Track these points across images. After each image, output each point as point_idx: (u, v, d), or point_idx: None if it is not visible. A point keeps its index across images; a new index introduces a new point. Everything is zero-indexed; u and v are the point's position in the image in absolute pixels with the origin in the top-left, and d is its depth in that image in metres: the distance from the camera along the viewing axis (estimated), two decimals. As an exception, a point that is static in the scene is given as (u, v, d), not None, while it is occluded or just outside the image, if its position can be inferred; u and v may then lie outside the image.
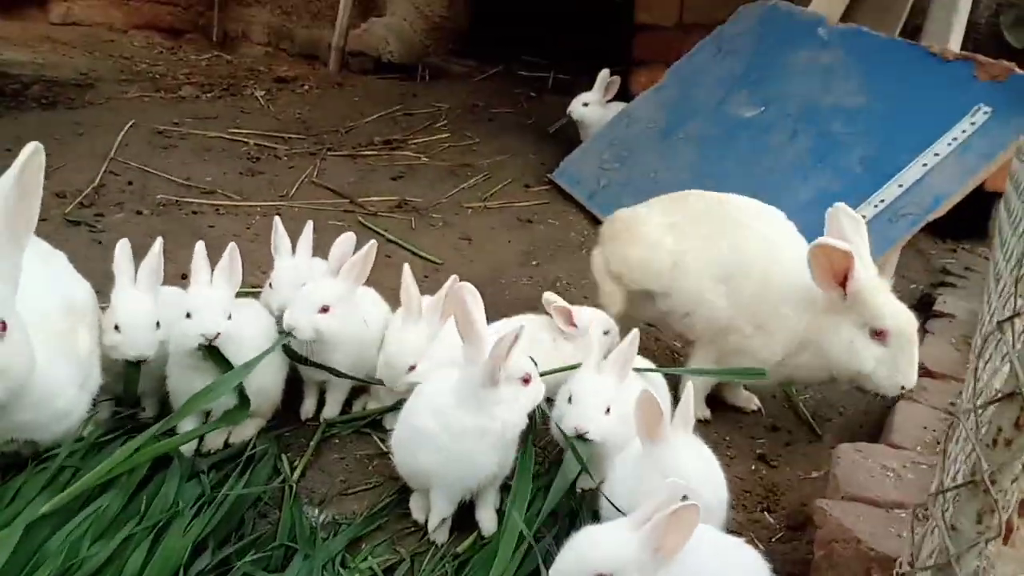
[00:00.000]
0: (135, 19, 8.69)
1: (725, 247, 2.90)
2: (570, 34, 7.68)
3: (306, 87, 6.84)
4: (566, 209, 4.95)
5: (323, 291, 2.70)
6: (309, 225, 3.06)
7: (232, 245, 2.62)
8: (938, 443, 2.51)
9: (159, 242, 2.62)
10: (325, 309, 2.65)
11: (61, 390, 2.11)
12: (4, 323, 1.82)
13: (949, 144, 3.79)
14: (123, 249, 2.55)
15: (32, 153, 1.83)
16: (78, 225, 4.09)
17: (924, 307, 4.16)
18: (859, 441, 2.87)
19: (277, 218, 3.03)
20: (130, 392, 2.53)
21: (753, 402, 3.22)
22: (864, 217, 3.83)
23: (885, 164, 3.96)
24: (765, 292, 2.77)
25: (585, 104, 5.60)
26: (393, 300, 2.91)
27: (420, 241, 4.36)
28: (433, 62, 7.63)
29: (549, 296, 2.93)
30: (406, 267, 2.71)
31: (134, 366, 2.48)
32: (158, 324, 2.52)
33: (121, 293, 2.53)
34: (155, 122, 5.56)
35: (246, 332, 2.60)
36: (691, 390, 2.08)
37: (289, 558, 2.13)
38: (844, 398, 3.41)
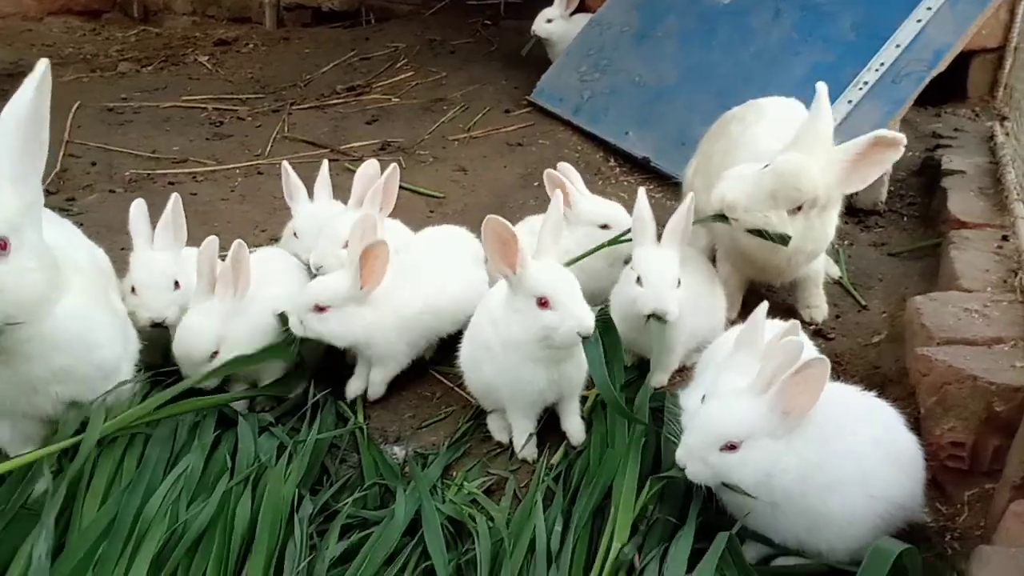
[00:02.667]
0: (49, 5, 8.12)
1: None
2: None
3: (251, 46, 6.48)
4: (552, 128, 4.78)
5: (347, 224, 2.53)
6: (324, 166, 2.88)
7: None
8: (1005, 281, 2.48)
9: (175, 199, 2.43)
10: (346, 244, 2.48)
11: (104, 339, 1.96)
12: (5, 242, 1.66)
13: (940, -5, 3.71)
14: (139, 209, 2.36)
15: (45, 70, 1.72)
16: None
17: (930, 170, 4.15)
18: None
19: (286, 164, 2.83)
20: (156, 356, 2.35)
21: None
22: (867, 83, 3.80)
23: (878, 26, 3.86)
24: None
25: (549, 20, 5.39)
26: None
27: (415, 179, 4.17)
28: (376, 3, 7.28)
29: (551, 173, 2.77)
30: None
31: (159, 328, 2.30)
32: (177, 284, 2.34)
33: (139, 254, 2.34)
34: (102, 100, 5.20)
35: (275, 289, 2.44)
36: None
37: (383, 497, 2.02)
38: (880, 265, 3.39)
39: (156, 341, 2.31)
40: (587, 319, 1.95)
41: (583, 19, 5.33)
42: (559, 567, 1.66)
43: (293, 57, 6.16)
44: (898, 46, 3.76)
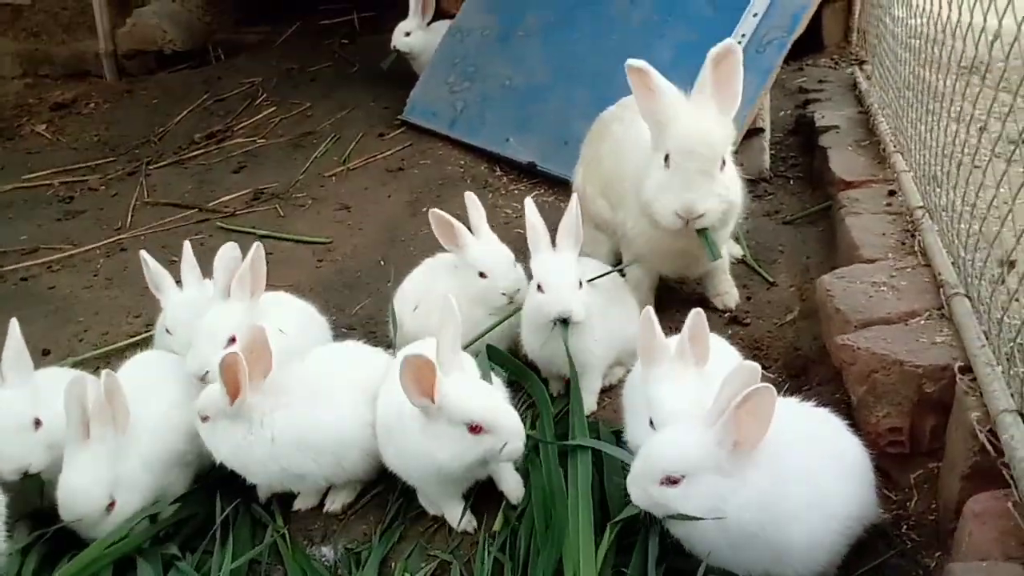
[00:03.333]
0: None
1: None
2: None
3: (92, 105, 5.99)
4: (431, 145, 4.61)
5: (222, 320, 2.29)
6: (187, 248, 2.60)
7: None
8: (903, 243, 2.49)
9: (12, 324, 2.12)
10: (233, 339, 2.24)
11: None
12: None
13: (789, -41, 3.74)
14: None
15: None
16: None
17: (804, 127, 4.22)
18: (815, 273, 2.88)
19: (144, 254, 2.53)
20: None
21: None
22: (733, 56, 3.80)
23: (734, -1, 3.87)
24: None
25: (407, 33, 5.19)
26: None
27: (296, 227, 3.93)
28: (222, 38, 6.87)
29: (437, 214, 2.62)
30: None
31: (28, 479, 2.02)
32: (38, 423, 2.06)
33: None
34: (-73, 196, 4.68)
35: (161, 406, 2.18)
36: None
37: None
38: (777, 235, 3.39)
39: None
40: (520, 435, 1.83)
41: (443, 26, 5.16)
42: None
43: (141, 110, 5.73)
44: (755, 15, 3.78)
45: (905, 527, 1.82)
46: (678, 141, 2.38)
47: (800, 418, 1.69)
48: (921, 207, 2.54)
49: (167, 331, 2.47)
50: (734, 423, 1.50)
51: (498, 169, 4.34)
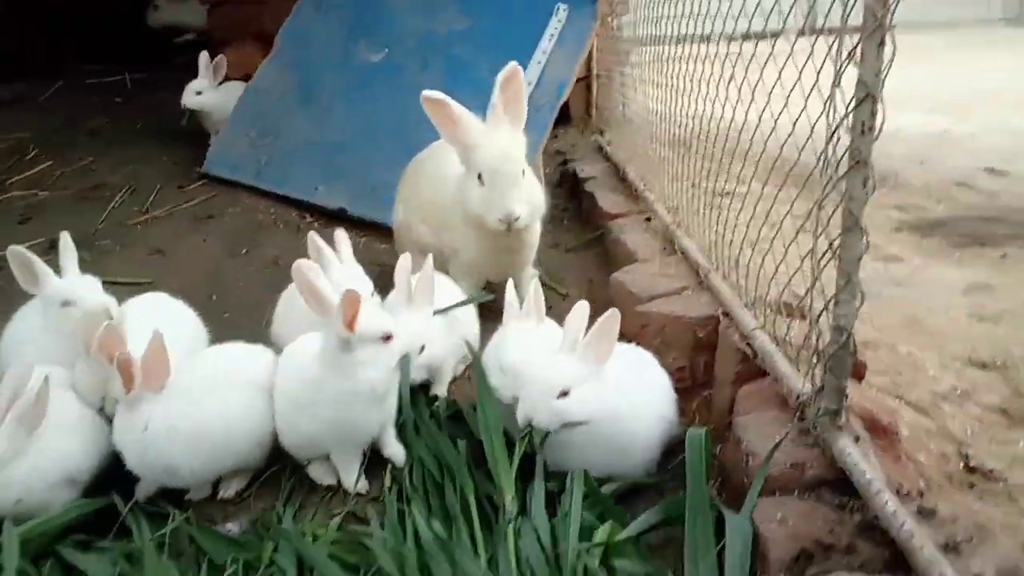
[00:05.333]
0: None
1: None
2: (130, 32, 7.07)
3: None
4: (237, 195, 4.80)
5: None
6: (340, 232, 2.88)
7: None
8: (664, 248, 3.30)
9: None
10: None
11: None
12: None
13: (550, 40, 4.63)
14: None
15: None
16: None
17: (567, 179, 5.11)
18: (598, 283, 3.62)
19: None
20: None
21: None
22: (513, 116, 4.57)
23: (509, 71, 4.67)
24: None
25: (199, 92, 5.36)
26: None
27: (108, 270, 3.87)
28: (-32, 93, 6.40)
29: (314, 237, 2.88)
30: None
31: None
32: None
33: None
34: None
35: None
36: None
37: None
38: (562, 262, 4.13)
39: None
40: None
41: (234, 86, 5.41)
42: (461, 546, 1.89)
43: None
44: (530, 83, 4.59)
45: (693, 437, 2.49)
46: (486, 161, 2.86)
47: (626, 350, 2.31)
48: (673, 223, 3.38)
49: None
50: (593, 343, 2.07)
51: (308, 216, 4.66)
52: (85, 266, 3.95)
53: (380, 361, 2.23)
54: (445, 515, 2.09)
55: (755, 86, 2.22)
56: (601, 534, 1.82)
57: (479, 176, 2.93)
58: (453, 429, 2.52)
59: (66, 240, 2.76)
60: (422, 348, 2.64)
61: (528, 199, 2.96)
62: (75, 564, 1.99)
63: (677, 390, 2.42)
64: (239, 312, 3.57)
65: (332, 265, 2.87)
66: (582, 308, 2.19)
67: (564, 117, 6.18)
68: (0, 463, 2.07)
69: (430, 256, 2.76)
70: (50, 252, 4.12)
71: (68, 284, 2.67)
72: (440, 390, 2.83)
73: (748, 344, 2.25)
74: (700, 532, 1.69)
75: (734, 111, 2.58)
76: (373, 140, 4.74)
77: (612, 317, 2.11)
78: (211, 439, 2.28)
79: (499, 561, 1.83)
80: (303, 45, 5.23)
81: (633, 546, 1.81)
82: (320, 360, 2.25)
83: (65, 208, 4.60)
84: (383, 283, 3.17)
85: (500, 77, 2.94)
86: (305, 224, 4.59)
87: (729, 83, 2.43)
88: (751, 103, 2.30)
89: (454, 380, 2.99)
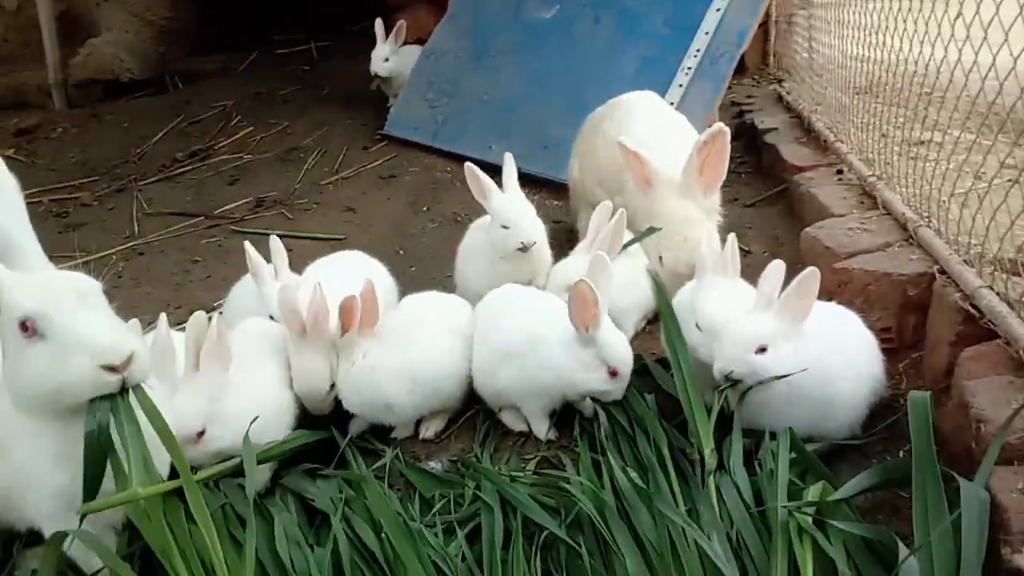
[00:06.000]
0: None
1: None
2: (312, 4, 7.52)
3: (60, 130, 6.04)
4: (416, 155, 5.00)
5: None
6: (275, 242, 2.85)
7: None
8: (862, 203, 3.10)
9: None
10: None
11: None
12: None
13: (731, -15, 4.41)
14: None
15: None
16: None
17: (745, 133, 4.89)
18: (784, 239, 3.47)
19: (248, 244, 2.79)
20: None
21: None
22: (690, 68, 4.42)
23: (685, 19, 4.51)
24: None
25: (386, 59, 5.58)
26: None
27: (307, 226, 4.22)
28: (180, 68, 7.05)
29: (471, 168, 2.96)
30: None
31: None
32: None
33: None
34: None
35: None
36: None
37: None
38: (741, 217, 3.98)
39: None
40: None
41: (411, 50, 5.60)
42: (661, 495, 1.92)
43: (114, 133, 5.85)
44: (707, 33, 4.42)
45: (902, 400, 2.35)
46: (670, 264, 2.65)
47: (829, 308, 2.21)
48: (872, 175, 3.15)
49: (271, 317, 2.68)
50: (791, 301, 2.00)
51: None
52: (286, 223, 4.37)
53: (594, 377, 2.28)
54: (639, 466, 2.11)
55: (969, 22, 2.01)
56: (813, 493, 1.77)
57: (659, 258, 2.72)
58: (638, 383, 2.53)
59: None
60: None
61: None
62: (301, 491, 2.19)
63: (882, 351, 2.29)
64: (424, 266, 3.75)
65: (492, 196, 2.89)
66: (778, 266, 2.11)
67: (739, 67, 5.87)
68: (211, 399, 2.20)
69: (623, 210, 2.74)
70: (257, 210, 4.54)
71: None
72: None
73: (972, 304, 2.08)
74: (931, 499, 1.60)
75: (945, 50, 2.36)
76: (545, 97, 4.77)
77: (812, 275, 2.02)
78: (421, 378, 2.43)
79: (700, 513, 1.83)
80: (475, 6, 5.32)
81: (848, 507, 1.75)
82: (566, 346, 2.30)
83: (267, 170, 5.00)
84: (557, 240, 3.22)
85: (701, 138, 2.66)
86: (481, 182, 4.70)
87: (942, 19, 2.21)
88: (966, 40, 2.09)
89: (636, 336, 3.00)
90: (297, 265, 3.12)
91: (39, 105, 6.96)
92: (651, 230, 2.75)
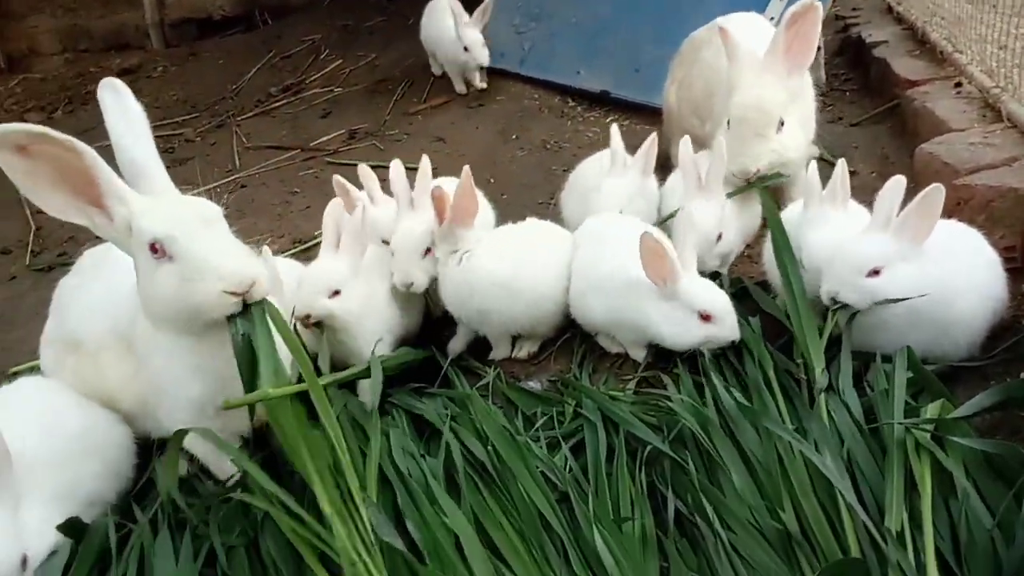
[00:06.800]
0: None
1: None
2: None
3: (160, 69, 6.27)
4: (503, 83, 4.95)
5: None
6: (364, 168, 2.86)
7: None
8: (984, 116, 2.89)
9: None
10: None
11: None
12: None
13: None
14: None
15: None
16: (50, 271, 3.69)
17: (850, 47, 4.60)
18: (895, 159, 3.29)
19: (363, 165, 2.83)
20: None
21: None
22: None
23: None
24: None
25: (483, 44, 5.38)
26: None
27: (399, 157, 4.24)
28: (266, 4, 7.14)
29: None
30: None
31: None
32: None
33: None
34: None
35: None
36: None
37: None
38: (846, 136, 3.78)
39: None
40: (738, 331, 2.20)
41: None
42: (768, 413, 1.91)
43: (211, 71, 6.03)
44: (810, -61, 4.13)
45: (1024, 322, 2.23)
46: (735, 109, 2.63)
47: (953, 228, 2.10)
48: (996, 86, 2.93)
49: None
50: (911, 220, 1.90)
51: (571, 100, 4.70)
52: (379, 154, 4.43)
53: (686, 327, 2.22)
54: (742, 388, 2.09)
55: None
56: (932, 411, 1.72)
57: (728, 121, 2.68)
58: (740, 306, 2.48)
59: None
60: (719, 237, 2.58)
61: (773, 154, 2.64)
62: (410, 407, 2.28)
63: (1007, 271, 2.17)
64: (515, 193, 3.75)
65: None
66: (898, 182, 2.01)
67: (836, -21, 5.51)
68: (350, 267, 2.36)
69: (721, 140, 2.64)
70: (350, 141, 4.62)
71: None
72: (723, 269, 2.79)
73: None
74: (1059, 416, 1.54)
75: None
76: (637, 17, 4.61)
77: (935, 191, 1.91)
78: (515, 290, 2.44)
79: (809, 431, 1.81)
80: (564, -76, 5.13)
81: (968, 425, 1.70)
82: (653, 302, 2.26)
83: (358, 103, 5.06)
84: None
85: (791, 11, 2.55)
86: (568, 108, 4.64)
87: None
88: None
89: (736, 261, 2.94)
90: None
91: (138, 46, 7.23)
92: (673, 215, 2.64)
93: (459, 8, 4.71)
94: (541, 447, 2.00)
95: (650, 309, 2.26)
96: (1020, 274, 2.32)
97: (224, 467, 2.06)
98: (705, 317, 2.20)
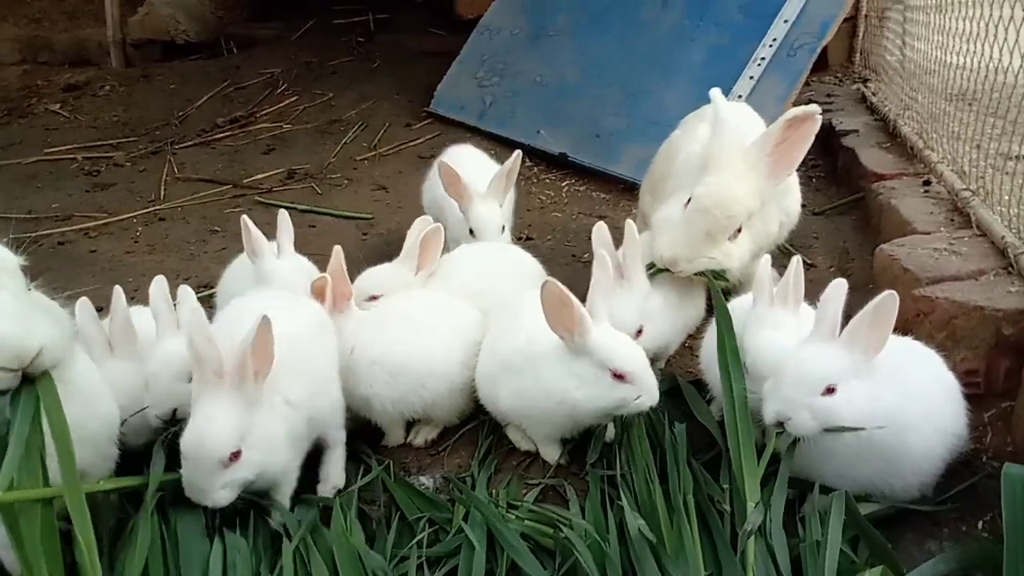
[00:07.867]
0: None
1: None
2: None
3: (107, 88, 5.96)
4: (460, 135, 4.70)
5: None
6: (284, 216, 2.61)
7: None
8: (952, 220, 2.67)
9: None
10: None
11: None
12: None
13: (817, -30, 3.98)
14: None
15: None
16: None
17: (821, 133, 4.43)
18: (855, 254, 3.06)
19: (246, 218, 2.53)
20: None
21: None
22: (763, 59, 4.01)
23: (763, 6, 4.10)
24: None
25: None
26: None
27: (334, 204, 3.98)
28: (237, 32, 6.92)
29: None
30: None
31: None
32: None
33: None
34: (-54, 166, 4.61)
35: None
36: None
37: (436, 533, 1.88)
38: (809, 225, 3.57)
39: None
40: (657, 395, 1.91)
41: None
42: (677, 554, 1.59)
43: (159, 94, 5.74)
44: (786, 21, 4.00)
45: (984, 458, 1.96)
46: (702, 193, 2.28)
47: (908, 346, 1.82)
48: (967, 189, 2.72)
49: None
50: (863, 330, 1.63)
51: (529, 160, 4.45)
52: (315, 197, 4.14)
53: (599, 388, 1.92)
54: (653, 509, 1.78)
55: None
56: (872, 576, 1.41)
57: (688, 200, 2.35)
58: (669, 406, 2.18)
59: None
60: (639, 331, 2.28)
61: (712, 260, 2.32)
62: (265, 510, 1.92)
63: (966, 397, 1.90)
64: (452, 254, 3.46)
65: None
66: (839, 287, 1.76)
67: (820, 62, 5.40)
68: None
69: (632, 225, 2.31)
70: (288, 181, 4.33)
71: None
72: (658, 364, 2.50)
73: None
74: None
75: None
76: (601, 84, 4.42)
77: (889, 299, 1.65)
78: (402, 373, 2.15)
79: (724, 581, 1.49)
80: (538, -19, 4.99)
81: (913, 602, 1.39)
82: (556, 361, 1.98)
83: (304, 142, 4.78)
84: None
85: (791, 113, 2.31)
86: (525, 168, 4.38)
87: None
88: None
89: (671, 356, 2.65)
90: (317, 243, 2.85)
91: (97, 63, 6.94)
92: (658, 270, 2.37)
93: (474, 173, 3.03)
94: (407, 573, 1.66)
95: (558, 373, 1.95)
96: (982, 401, 2.06)
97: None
98: (618, 376, 1.89)
